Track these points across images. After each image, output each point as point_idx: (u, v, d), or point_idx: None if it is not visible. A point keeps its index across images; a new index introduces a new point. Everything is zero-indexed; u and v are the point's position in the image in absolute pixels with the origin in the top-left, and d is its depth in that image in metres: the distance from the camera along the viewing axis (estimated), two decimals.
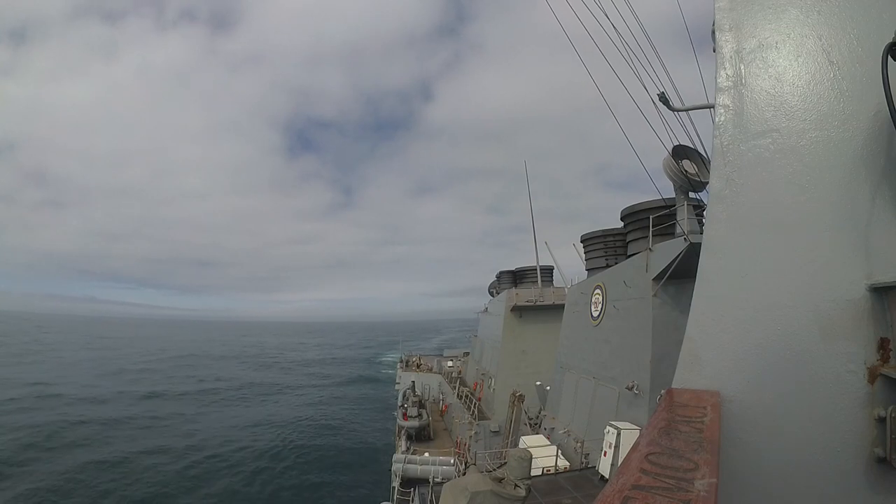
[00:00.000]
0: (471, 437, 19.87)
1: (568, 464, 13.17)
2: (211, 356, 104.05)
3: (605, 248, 17.76)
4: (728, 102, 2.20)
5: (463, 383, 33.16)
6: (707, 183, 8.18)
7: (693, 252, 10.27)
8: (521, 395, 18.16)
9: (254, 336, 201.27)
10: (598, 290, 15.28)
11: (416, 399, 24.42)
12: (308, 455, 33.67)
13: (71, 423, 38.94)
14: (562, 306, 19.60)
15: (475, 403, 26.48)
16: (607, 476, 10.67)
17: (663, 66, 9.24)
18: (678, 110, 8.93)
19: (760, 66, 2.17)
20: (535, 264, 31.65)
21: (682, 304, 11.43)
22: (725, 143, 2.16)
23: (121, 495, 25.42)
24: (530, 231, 32.24)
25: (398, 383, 34.93)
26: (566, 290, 22.18)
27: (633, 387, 12.01)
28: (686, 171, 11.65)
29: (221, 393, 59.16)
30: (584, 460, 13.11)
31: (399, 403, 26.80)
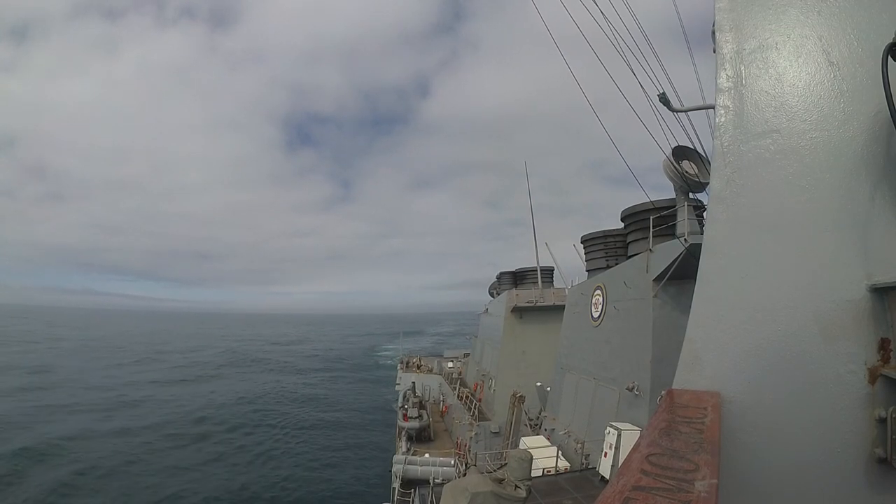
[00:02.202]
0: (471, 437, 19.84)
1: (568, 465, 13.16)
2: (215, 349, 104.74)
3: (606, 249, 17.76)
4: (728, 103, 2.20)
5: (463, 384, 33.14)
6: (707, 184, 8.17)
7: (693, 253, 10.27)
8: (521, 396, 18.15)
9: (255, 329, 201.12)
10: (598, 291, 15.28)
11: (416, 400, 24.36)
12: (305, 452, 33.69)
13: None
14: (562, 307, 19.60)
15: (475, 404, 26.46)
16: (608, 477, 10.65)
17: (662, 66, 9.21)
18: (678, 111, 8.90)
19: (761, 66, 2.17)
20: (535, 265, 31.70)
21: (683, 304, 11.43)
22: (726, 143, 2.16)
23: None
24: (527, 225, 32.61)
25: (398, 384, 34.90)
26: (566, 290, 22.17)
27: (633, 387, 12.00)
28: (686, 171, 11.65)
29: (222, 380, 61.64)
30: (584, 461, 13.09)
31: (399, 404, 26.77)
